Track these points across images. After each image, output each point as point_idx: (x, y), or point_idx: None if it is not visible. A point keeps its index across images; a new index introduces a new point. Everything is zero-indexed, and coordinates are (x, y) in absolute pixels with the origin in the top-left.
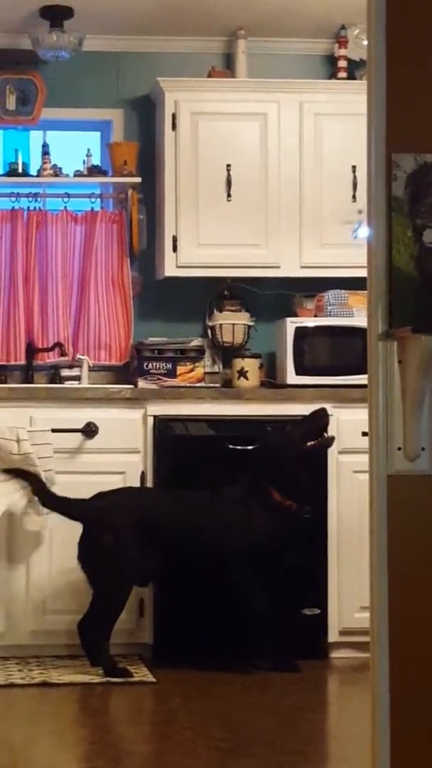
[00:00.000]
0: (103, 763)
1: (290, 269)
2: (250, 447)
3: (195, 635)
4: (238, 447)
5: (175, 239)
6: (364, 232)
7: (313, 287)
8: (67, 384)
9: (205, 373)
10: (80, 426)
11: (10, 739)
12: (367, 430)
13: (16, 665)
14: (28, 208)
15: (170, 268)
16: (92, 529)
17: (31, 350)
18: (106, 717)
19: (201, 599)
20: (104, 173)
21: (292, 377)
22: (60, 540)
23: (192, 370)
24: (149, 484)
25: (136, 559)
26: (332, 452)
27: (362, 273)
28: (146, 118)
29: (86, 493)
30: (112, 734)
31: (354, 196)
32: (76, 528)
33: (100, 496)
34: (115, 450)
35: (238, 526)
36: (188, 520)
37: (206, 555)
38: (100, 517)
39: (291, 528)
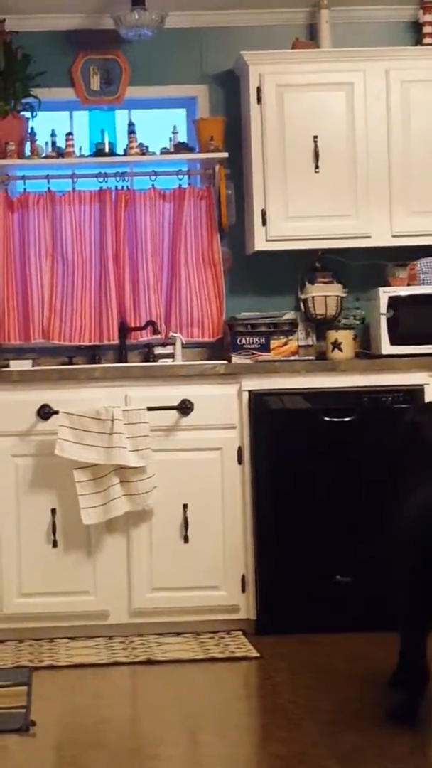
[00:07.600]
0: (210, 738)
1: (381, 239)
2: (346, 419)
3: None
4: (335, 419)
5: (264, 213)
6: None
7: (405, 256)
8: (161, 362)
9: (299, 346)
10: (175, 403)
11: (116, 717)
12: None
13: (120, 643)
14: (116, 187)
15: (260, 242)
16: None
17: (124, 329)
18: (212, 692)
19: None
20: (191, 150)
21: (386, 347)
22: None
23: (285, 344)
24: (246, 459)
25: None
26: None
27: None
28: (231, 92)
29: (183, 471)
30: (218, 709)
31: None
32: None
33: None
34: (211, 426)
35: None
36: None
37: None
38: None
39: None
